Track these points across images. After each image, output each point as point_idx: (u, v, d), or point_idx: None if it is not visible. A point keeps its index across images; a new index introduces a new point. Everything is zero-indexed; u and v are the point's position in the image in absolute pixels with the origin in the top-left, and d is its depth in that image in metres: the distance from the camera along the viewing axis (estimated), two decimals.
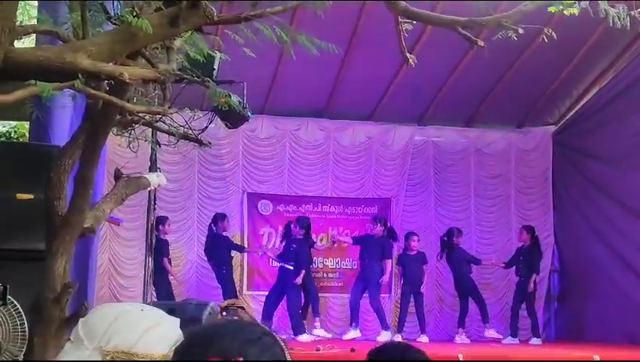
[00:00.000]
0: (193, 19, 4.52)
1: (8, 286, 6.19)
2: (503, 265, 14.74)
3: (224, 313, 3.24)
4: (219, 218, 13.59)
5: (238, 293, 13.57)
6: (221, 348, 1.52)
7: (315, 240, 14.26)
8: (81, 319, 1.70)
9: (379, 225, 13.94)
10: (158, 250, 11.58)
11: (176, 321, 1.79)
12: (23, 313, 6.47)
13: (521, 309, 14.26)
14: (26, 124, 13.97)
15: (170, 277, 13.11)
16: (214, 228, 13.52)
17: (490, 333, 13.91)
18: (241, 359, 1.50)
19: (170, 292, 12.78)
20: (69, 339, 1.67)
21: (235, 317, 3.29)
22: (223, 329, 1.58)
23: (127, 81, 4.28)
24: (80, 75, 4.14)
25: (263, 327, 1.66)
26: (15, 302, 6.30)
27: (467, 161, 15.63)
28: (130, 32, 4.38)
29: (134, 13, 4.36)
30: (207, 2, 4.42)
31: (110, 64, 4.35)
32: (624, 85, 14.05)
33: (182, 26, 4.53)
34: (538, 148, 15.89)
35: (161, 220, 12.65)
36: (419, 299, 13.92)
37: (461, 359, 10.01)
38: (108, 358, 1.60)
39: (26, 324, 6.51)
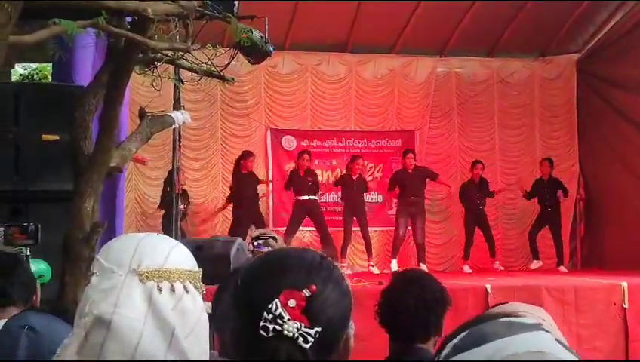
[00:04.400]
0: None
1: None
2: (524, 193, 14.60)
3: (255, 242, 3.23)
4: (240, 157, 13.42)
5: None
6: (287, 283, 1.54)
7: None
8: (97, 255, 1.70)
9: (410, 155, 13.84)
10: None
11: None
12: None
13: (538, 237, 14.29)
14: (48, 66, 14.00)
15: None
16: (238, 168, 13.34)
17: (496, 265, 13.91)
18: (314, 287, 1.52)
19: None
20: (94, 274, 1.67)
21: (268, 248, 3.30)
22: (285, 263, 1.60)
23: (151, 16, 4.26)
24: (103, 13, 4.12)
25: (317, 251, 1.68)
26: None
27: (490, 91, 15.51)
28: None
29: None
30: None
31: (133, 0, 4.32)
32: None
33: None
34: (562, 77, 15.74)
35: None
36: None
37: (489, 290, 10.00)
38: (144, 278, 1.61)
39: None
